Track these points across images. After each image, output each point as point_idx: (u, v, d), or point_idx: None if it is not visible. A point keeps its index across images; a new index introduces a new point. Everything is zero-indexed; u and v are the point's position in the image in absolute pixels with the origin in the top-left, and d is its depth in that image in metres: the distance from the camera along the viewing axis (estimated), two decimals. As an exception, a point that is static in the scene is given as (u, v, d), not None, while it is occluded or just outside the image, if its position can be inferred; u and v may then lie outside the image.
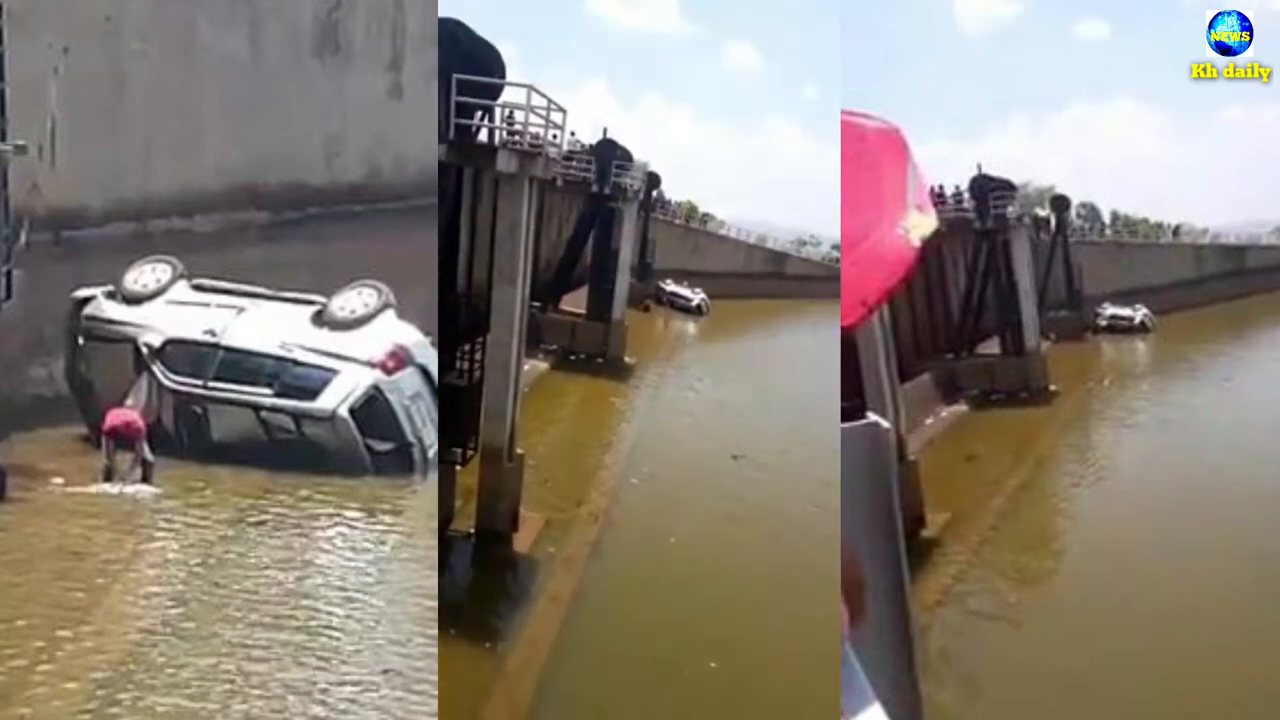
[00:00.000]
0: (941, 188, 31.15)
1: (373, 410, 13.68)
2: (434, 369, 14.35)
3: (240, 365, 13.90)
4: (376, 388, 13.75)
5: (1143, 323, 44.15)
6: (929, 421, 26.54)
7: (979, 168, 32.18)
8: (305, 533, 11.69)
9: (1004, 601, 16.56)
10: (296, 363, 13.87)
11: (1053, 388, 31.04)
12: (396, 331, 14.28)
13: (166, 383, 13.81)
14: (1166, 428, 27.74)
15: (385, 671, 8.75)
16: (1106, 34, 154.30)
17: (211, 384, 13.79)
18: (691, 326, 45.62)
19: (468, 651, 12.10)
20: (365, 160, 20.28)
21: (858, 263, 2.96)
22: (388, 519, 12.52)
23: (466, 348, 16.26)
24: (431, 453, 14.03)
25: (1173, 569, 16.67)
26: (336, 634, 9.32)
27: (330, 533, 11.82)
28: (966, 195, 31.74)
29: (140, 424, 12.85)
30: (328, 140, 19.78)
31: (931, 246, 3.13)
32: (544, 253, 30.86)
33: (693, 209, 62.04)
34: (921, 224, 2.98)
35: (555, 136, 18.29)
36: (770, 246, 63.70)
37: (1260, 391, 32.56)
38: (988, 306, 31.91)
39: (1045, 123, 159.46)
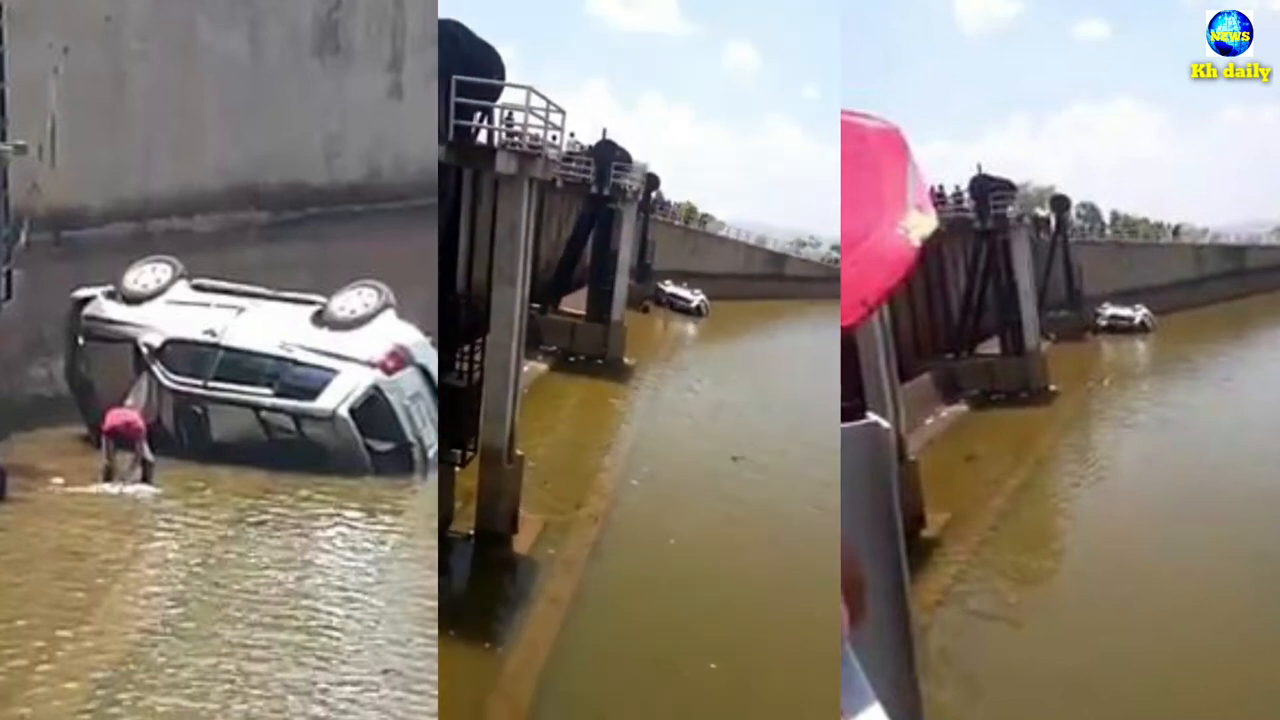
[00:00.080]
0: (941, 188, 31.14)
1: (373, 410, 13.68)
2: (434, 369, 14.35)
3: (240, 365, 13.90)
4: (376, 388, 13.75)
5: (1143, 323, 44.11)
6: (929, 421, 26.51)
7: (979, 168, 32.20)
8: (305, 533, 11.69)
9: (1004, 601, 16.55)
10: (296, 363, 13.88)
11: (1053, 388, 31.01)
12: (396, 331, 14.28)
13: (166, 383, 13.81)
14: (1166, 428, 27.72)
15: (385, 671, 8.75)
16: (1106, 34, 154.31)
17: (211, 384, 13.80)
18: (691, 327, 45.54)
19: (467, 652, 12.10)
20: (365, 160, 20.29)
21: (858, 263, 2.96)
22: (388, 519, 12.53)
23: (466, 348, 16.25)
24: (431, 453, 14.03)
25: (1173, 569, 16.67)
26: (336, 634, 9.32)
27: (330, 533, 11.83)
28: (966, 195, 31.71)
29: (140, 424, 12.85)
30: (328, 140, 19.79)
31: (931, 246, 3.13)
32: (543, 254, 30.84)
33: (692, 210, 62.04)
34: (921, 224, 2.98)
35: (554, 137, 18.35)
36: (770, 247, 63.66)
37: (1260, 391, 32.52)
38: (988, 306, 31.88)
39: (1045, 123, 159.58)
